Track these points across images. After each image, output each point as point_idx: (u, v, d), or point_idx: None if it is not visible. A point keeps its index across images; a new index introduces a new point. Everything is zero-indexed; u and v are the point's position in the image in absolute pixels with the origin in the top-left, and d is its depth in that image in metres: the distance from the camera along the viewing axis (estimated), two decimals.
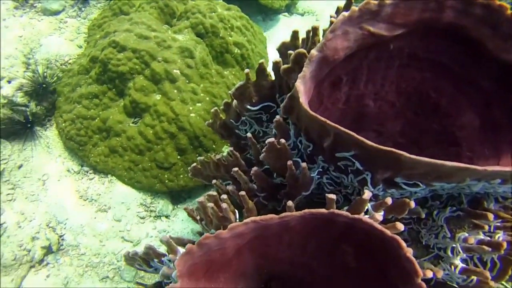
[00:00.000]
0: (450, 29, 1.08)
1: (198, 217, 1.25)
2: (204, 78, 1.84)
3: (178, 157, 1.83)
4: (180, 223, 1.95)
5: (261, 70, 1.19)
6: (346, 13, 0.97)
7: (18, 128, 1.97)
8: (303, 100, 0.95)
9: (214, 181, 1.39)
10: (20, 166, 2.02)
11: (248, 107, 1.28)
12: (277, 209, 1.31)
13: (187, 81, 1.79)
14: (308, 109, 0.93)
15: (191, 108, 1.77)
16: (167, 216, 1.97)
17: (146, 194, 1.96)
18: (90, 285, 1.82)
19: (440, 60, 1.16)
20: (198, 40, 1.89)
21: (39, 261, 1.88)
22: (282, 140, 1.03)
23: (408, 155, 0.84)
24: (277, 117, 1.06)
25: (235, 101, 1.31)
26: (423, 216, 1.02)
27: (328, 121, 0.91)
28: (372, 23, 1.00)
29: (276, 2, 2.66)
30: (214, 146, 1.87)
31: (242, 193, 1.11)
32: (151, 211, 1.96)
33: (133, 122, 1.84)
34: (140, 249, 1.31)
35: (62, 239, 1.92)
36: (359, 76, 1.15)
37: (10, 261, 1.86)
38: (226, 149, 2.00)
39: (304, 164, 1.01)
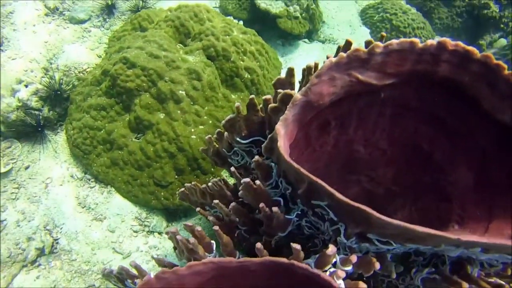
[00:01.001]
0: (446, 83, 1.05)
1: (173, 245, 1.25)
2: (210, 101, 1.85)
3: (176, 176, 1.84)
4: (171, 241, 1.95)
5: (252, 105, 1.19)
6: (333, 59, 0.96)
7: (30, 130, 2.05)
8: (281, 144, 0.94)
9: (197, 209, 1.39)
10: (27, 167, 2.09)
11: (238, 139, 1.28)
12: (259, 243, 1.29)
13: (192, 103, 1.81)
14: (285, 154, 0.92)
15: (193, 130, 1.79)
16: (160, 233, 1.98)
17: (142, 209, 1.98)
18: None
19: (435, 113, 1.12)
20: (208, 63, 1.92)
21: (32, 261, 1.92)
22: (257, 182, 1.02)
23: (377, 215, 0.81)
24: (256, 157, 1.05)
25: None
26: (394, 276, 0.98)
27: (301, 169, 0.90)
28: (361, 71, 0.99)
29: (296, 28, 2.67)
30: (212, 170, 1.87)
31: (216, 227, 1.10)
32: (145, 225, 1.98)
33: (136, 138, 1.87)
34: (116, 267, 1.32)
35: (57, 243, 1.96)
36: (348, 122, 1.13)
37: (5, 257, 1.91)
38: (225, 173, 2.00)
39: (275, 209, 1.00)
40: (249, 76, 2.05)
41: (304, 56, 2.82)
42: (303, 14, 2.68)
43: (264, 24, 2.74)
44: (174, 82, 1.78)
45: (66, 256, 1.93)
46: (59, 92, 2.06)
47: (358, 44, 3.17)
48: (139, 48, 1.85)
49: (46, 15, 2.53)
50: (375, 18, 3.10)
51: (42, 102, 2.06)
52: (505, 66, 0.98)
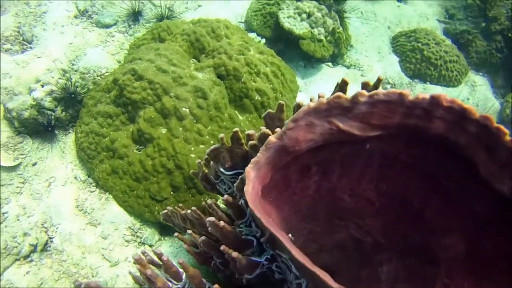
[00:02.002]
0: (439, 141, 0.96)
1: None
2: (213, 121, 1.83)
3: (171, 193, 1.82)
4: None
5: (235, 138, 1.14)
6: (312, 104, 0.89)
7: (41, 129, 2.11)
8: (249, 188, 0.89)
9: (176, 234, 1.36)
10: (34, 164, 2.14)
11: (222, 170, 1.24)
12: (234, 277, 1.24)
13: (195, 121, 1.79)
14: (250, 200, 0.87)
15: (192, 148, 1.76)
16: (150, 245, 1.96)
17: (137, 220, 1.98)
18: None
19: (427, 170, 1.03)
20: (217, 81, 1.90)
21: (25, 256, 1.95)
22: (222, 223, 0.97)
23: (330, 283, 0.74)
24: (226, 196, 1.00)
25: None
26: None
27: (262, 219, 0.84)
28: (342, 119, 0.92)
29: (319, 51, 2.60)
30: None
31: (181, 260, 1.07)
32: (137, 236, 1.97)
33: (137, 149, 1.87)
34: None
35: (51, 241, 1.99)
36: (330, 168, 1.06)
37: (1, 249, 1.96)
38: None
39: (235, 254, 0.95)
40: (259, 98, 2.00)
41: (325, 80, 2.74)
42: (328, 37, 2.61)
43: (287, 43, 2.69)
44: (178, 99, 1.76)
45: (57, 256, 1.96)
46: (73, 95, 2.10)
47: (383, 73, 3.03)
48: (149, 60, 1.86)
49: (75, 17, 2.61)
50: (406, 47, 2.97)
51: (56, 103, 2.11)
52: (507, 131, 0.89)
